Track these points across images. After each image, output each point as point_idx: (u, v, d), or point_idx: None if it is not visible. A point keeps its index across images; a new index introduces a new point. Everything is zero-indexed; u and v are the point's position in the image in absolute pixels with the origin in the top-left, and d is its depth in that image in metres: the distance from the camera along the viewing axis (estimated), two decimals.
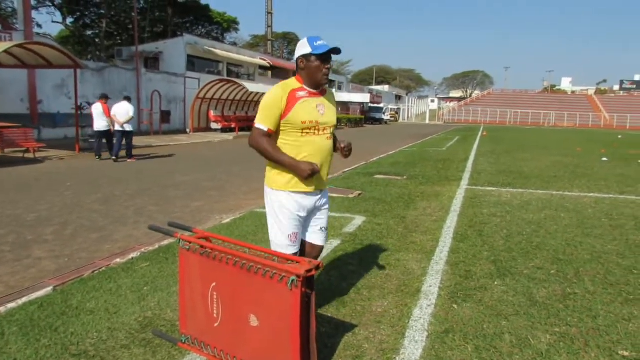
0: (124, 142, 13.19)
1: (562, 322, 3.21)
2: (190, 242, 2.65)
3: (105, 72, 22.93)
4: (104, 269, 4.21)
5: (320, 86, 2.81)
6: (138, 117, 24.69)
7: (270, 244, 2.89)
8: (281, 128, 2.75)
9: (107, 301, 3.49)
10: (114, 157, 12.99)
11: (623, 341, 2.95)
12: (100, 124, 13.05)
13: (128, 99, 13.54)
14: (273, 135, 2.74)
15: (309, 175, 2.66)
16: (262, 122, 2.71)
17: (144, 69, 26.12)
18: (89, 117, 21.37)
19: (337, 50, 2.71)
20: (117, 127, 12.96)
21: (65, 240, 5.24)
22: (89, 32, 42.64)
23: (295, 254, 2.83)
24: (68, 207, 6.96)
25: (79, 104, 15.98)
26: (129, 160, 13.19)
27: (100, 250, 4.90)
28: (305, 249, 3.03)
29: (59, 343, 2.87)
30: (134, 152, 13.71)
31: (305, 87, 2.77)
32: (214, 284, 2.56)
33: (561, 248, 4.94)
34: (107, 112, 13.02)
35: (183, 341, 2.76)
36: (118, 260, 4.44)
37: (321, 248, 3.07)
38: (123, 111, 12.99)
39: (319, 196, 2.92)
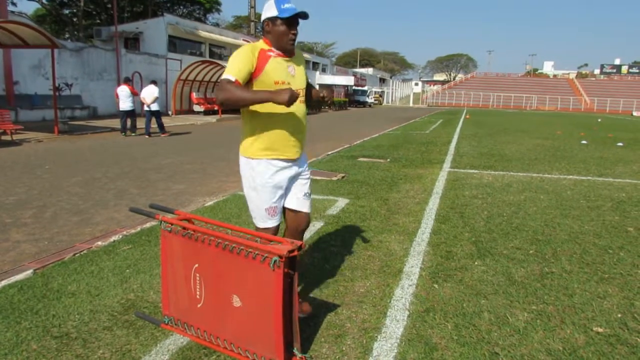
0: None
1: (539, 301, 3.29)
2: (172, 224, 2.63)
3: (83, 53, 22.43)
4: (85, 251, 4.17)
5: (287, 51, 2.72)
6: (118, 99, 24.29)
7: (251, 217, 2.86)
8: (255, 89, 2.63)
9: (88, 284, 3.47)
10: (146, 135, 14.87)
11: (597, 318, 3.04)
12: (126, 104, 14.71)
13: (154, 82, 15.29)
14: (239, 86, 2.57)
15: (290, 98, 2.42)
16: (229, 73, 2.53)
17: (124, 49, 25.62)
18: (68, 99, 21.09)
19: (304, 15, 2.63)
20: (145, 108, 14.80)
21: (45, 224, 5.17)
22: (66, 11, 41.48)
23: (275, 227, 2.82)
24: (47, 190, 6.85)
25: (57, 84, 15.68)
26: (162, 135, 15.08)
27: (81, 233, 4.85)
28: (290, 218, 2.96)
29: (40, 325, 2.85)
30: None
31: (273, 49, 2.70)
32: (196, 265, 2.56)
33: (540, 229, 5.03)
34: (135, 93, 14.92)
35: (166, 322, 2.77)
36: (99, 243, 4.40)
37: (308, 216, 2.99)
38: (149, 93, 14.71)
39: (298, 163, 2.88)
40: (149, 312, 3.05)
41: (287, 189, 2.90)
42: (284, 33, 2.63)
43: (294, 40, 2.69)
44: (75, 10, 40.84)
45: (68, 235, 4.78)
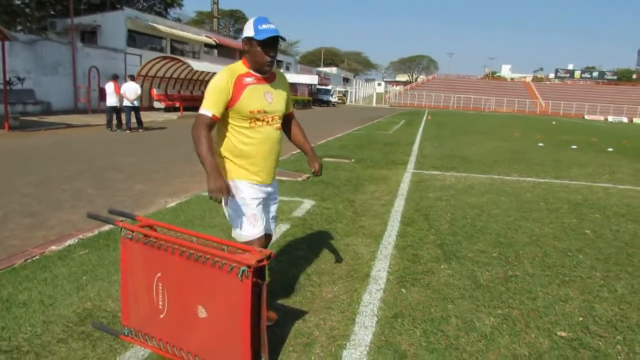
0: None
1: (504, 305, 3.32)
2: (132, 231, 2.50)
3: (36, 46, 21.51)
4: (37, 257, 3.95)
5: (264, 73, 2.65)
6: (74, 94, 23.49)
7: (233, 233, 2.75)
8: (230, 117, 2.61)
9: (41, 292, 3.27)
10: (126, 129, 15.41)
11: (560, 322, 3.09)
12: (111, 100, 15.28)
13: (132, 77, 15.91)
14: (218, 122, 2.56)
15: (214, 194, 2.42)
16: (208, 107, 2.52)
17: (80, 43, 24.73)
18: (20, 93, 20.18)
19: (280, 38, 2.57)
20: (126, 103, 15.19)
21: None
22: (17, 2, 39.68)
23: (260, 238, 2.72)
24: None
25: (7, 79, 14.98)
26: (140, 130, 15.61)
27: (34, 237, 4.59)
28: None
29: None
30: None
31: (252, 72, 2.62)
32: (159, 274, 2.44)
33: (502, 231, 5.12)
34: (118, 90, 15.22)
35: (125, 333, 2.63)
36: (53, 247, 4.18)
37: (270, 237, 3.04)
38: (132, 89, 15.17)
39: (270, 188, 2.83)
40: (107, 323, 2.90)
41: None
42: (260, 55, 2.56)
43: (271, 62, 2.61)
44: (27, 1, 39.12)
45: (19, 240, 4.52)
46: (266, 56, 2.56)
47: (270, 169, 2.77)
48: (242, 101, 2.56)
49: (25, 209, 5.61)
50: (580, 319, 3.15)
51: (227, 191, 2.49)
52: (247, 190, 2.68)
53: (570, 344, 2.82)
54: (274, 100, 2.69)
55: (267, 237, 2.96)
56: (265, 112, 2.63)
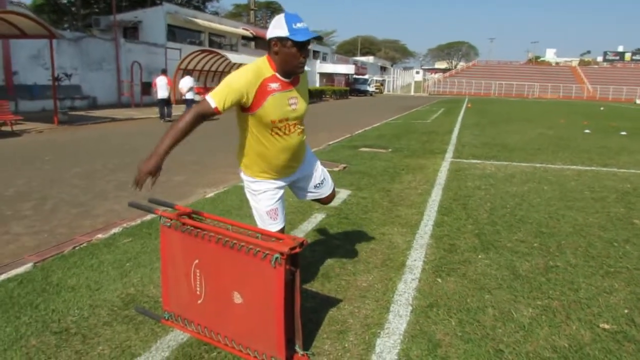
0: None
1: (544, 295, 3.24)
2: (171, 219, 2.59)
3: (82, 42, 22.29)
4: (85, 244, 4.14)
5: (294, 75, 2.50)
6: (118, 89, 24.25)
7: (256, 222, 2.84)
8: (250, 121, 2.49)
9: (88, 278, 3.43)
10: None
11: (604, 314, 2.99)
12: (163, 93, 16.37)
13: (189, 72, 18.00)
14: (218, 114, 2.39)
15: (138, 169, 2.40)
16: (216, 98, 2.33)
17: (122, 39, 25.44)
18: (67, 89, 21.02)
19: (317, 38, 2.49)
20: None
21: (45, 216, 5.13)
22: (64, 0, 41.17)
23: (280, 230, 2.78)
24: (47, 181, 6.81)
25: (56, 75, 15.61)
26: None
27: (81, 226, 4.81)
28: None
29: (39, 320, 2.83)
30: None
31: (278, 75, 2.45)
32: (196, 261, 2.52)
33: (544, 221, 4.98)
34: (171, 83, 16.54)
35: (166, 318, 2.73)
36: (99, 235, 4.37)
37: (329, 196, 3.09)
38: (185, 83, 16.49)
39: (295, 175, 2.84)
40: (149, 307, 3.01)
41: (294, 188, 2.96)
42: (293, 56, 2.38)
43: (304, 64, 2.43)
44: (73, 0, 40.53)
45: (68, 228, 4.74)
46: (301, 57, 2.40)
47: (293, 167, 2.77)
48: (264, 109, 2.43)
49: (74, 199, 5.87)
50: (626, 311, 3.03)
51: (149, 175, 2.42)
52: (266, 187, 2.72)
53: (613, 336, 2.73)
54: (299, 104, 2.57)
55: (326, 197, 3.07)
56: (287, 119, 2.52)
